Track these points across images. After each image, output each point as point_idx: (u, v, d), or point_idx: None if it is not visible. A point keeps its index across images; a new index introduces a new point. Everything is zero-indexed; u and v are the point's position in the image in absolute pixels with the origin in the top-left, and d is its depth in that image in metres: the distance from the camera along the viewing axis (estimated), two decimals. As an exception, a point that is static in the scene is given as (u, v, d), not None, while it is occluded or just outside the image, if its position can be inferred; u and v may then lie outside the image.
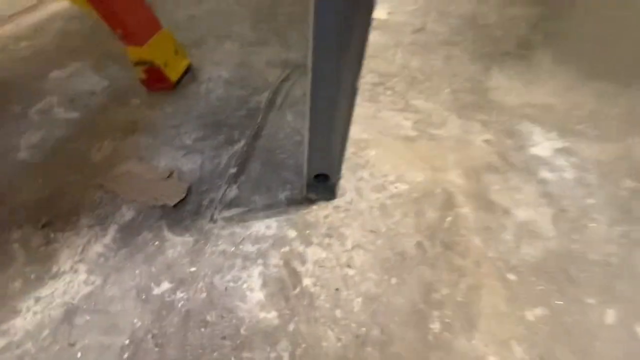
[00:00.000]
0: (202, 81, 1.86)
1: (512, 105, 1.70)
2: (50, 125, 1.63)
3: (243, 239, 1.12)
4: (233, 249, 1.09)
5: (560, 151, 1.44)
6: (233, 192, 1.28)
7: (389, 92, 1.79)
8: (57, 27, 2.44)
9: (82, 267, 1.08)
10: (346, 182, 1.31)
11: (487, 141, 1.49)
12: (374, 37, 2.24)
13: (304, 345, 0.91)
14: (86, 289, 1.03)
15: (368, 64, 1.99)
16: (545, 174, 1.35)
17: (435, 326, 0.92)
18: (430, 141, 1.50)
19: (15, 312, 1.01)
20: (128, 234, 1.15)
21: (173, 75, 1.78)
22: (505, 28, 2.34)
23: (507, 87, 1.82)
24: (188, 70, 1.92)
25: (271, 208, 1.22)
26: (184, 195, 1.25)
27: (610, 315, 0.95)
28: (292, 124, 1.56)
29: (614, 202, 1.22)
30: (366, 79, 1.91)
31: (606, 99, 1.74)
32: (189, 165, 1.39)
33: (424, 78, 1.90)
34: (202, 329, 0.94)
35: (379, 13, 2.58)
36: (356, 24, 0.65)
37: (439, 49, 2.14)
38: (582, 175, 1.34)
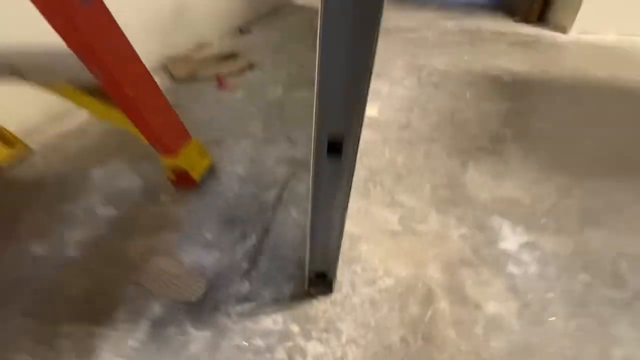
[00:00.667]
0: (220, 178, 2.21)
1: (484, 199, 1.99)
2: (92, 222, 1.94)
3: (254, 333, 1.33)
4: (246, 343, 1.30)
5: (525, 246, 1.68)
6: (245, 287, 1.51)
7: (378, 188, 2.10)
8: (101, 128, 2.90)
9: (118, 361, 1.28)
10: (342, 275, 1.55)
11: (462, 236, 1.75)
12: (368, 135, 2.64)
13: None
14: (121, 383, 1.22)
15: (361, 160, 2.34)
16: (512, 268, 1.57)
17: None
18: (414, 236, 1.76)
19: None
20: (157, 329, 1.37)
21: (197, 175, 2.13)
22: (480, 123, 2.71)
23: (479, 182, 2.13)
24: (210, 168, 2.29)
25: (278, 303, 1.44)
26: (204, 290, 1.49)
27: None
28: (297, 221, 1.85)
29: (570, 295, 1.43)
30: (359, 174, 2.24)
31: (564, 192, 2.01)
32: (209, 260, 1.65)
33: (407, 173, 2.22)
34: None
35: (372, 111, 3.03)
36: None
37: (420, 145, 2.50)
38: (544, 269, 1.56)
